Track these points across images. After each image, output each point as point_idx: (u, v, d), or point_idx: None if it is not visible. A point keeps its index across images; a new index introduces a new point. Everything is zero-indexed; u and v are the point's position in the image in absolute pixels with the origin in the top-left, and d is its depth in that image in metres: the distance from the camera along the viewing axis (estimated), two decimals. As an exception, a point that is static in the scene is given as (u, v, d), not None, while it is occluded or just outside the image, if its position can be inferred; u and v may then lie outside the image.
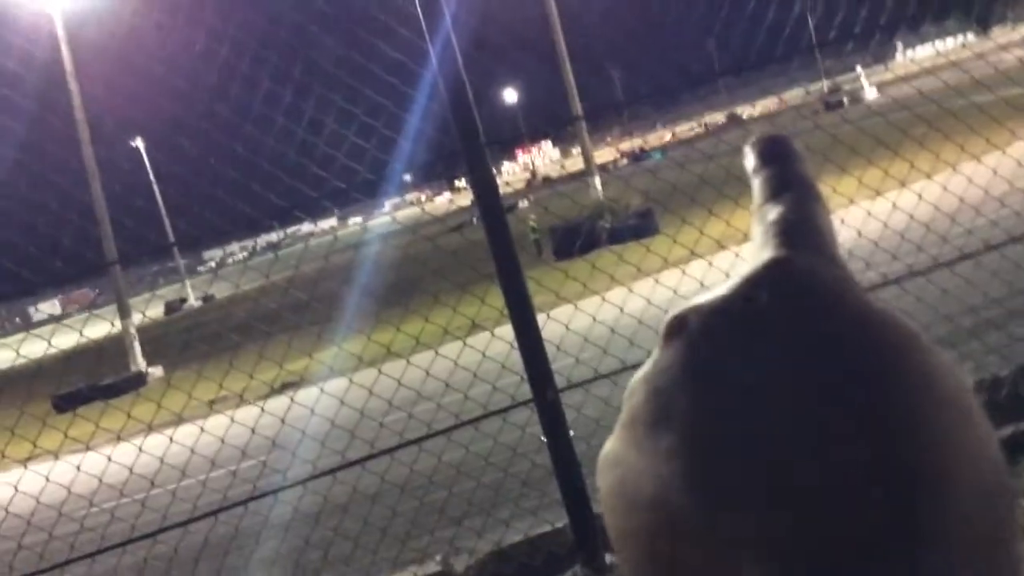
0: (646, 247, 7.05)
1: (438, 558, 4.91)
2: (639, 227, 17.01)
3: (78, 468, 5.31)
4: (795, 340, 0.38)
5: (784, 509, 0.36)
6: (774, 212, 0.44)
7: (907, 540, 0.35)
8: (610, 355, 5.26)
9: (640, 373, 0.42)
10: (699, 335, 0.40)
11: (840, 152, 6.28)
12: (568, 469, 4.18)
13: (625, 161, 34.98)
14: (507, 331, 4.35)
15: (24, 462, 6.13)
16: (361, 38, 5.94)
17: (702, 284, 5.63)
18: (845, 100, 43.69)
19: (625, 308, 5.47)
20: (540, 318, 4.26)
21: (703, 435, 0.38)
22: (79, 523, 5.42)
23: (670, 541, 0.38)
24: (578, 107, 21.67)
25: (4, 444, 6.41)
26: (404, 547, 5.21)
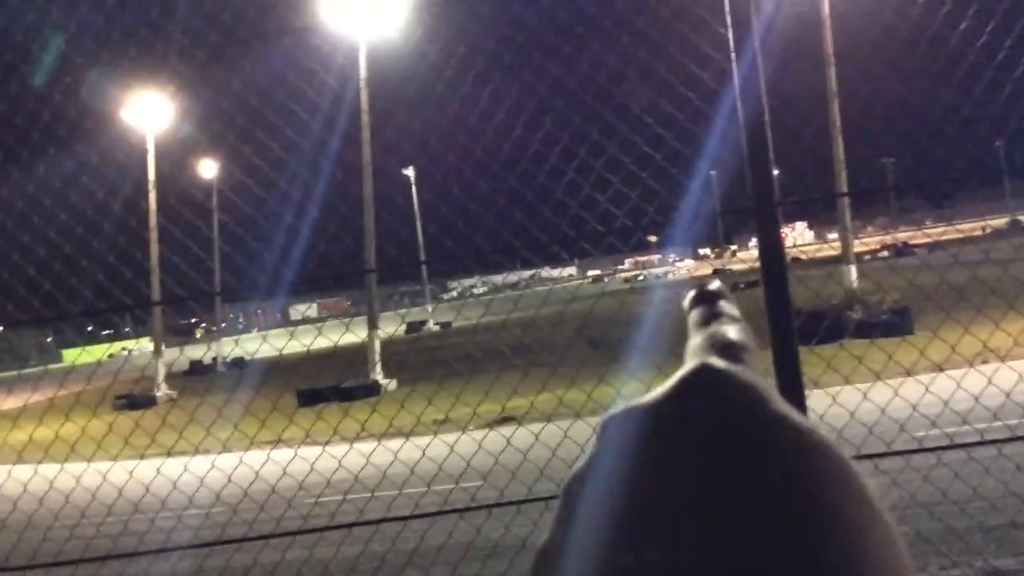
0: (898, 344, 6.65)
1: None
2: (892, 324, 16.00)
3: (322, 455, 5.74)
4: (717, 442, 0.43)
5: None
6: (703, 334, 0.53)
7: None
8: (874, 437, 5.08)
9: (575, 470, 0.46)
10: (631, 435, 0.45)
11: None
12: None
13: (886, 254, 33.05)
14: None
15: (270, 444, 6.70)
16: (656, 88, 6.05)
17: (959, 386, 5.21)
18: None
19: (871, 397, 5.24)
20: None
21: (634, 532, 0.41)
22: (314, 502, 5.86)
23: None
24: (843, 184, 20.67)
25: (255, 428, 7.04)
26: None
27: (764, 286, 3.85)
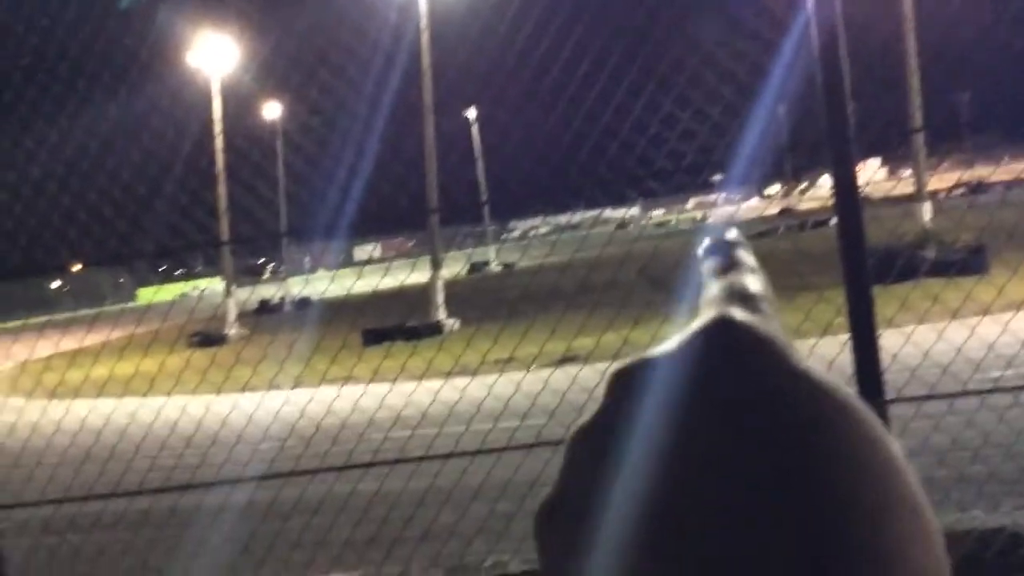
0: (974, 283, 6.47)
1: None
2: (966, 263, 15.53)
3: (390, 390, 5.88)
4: (733, 395, 0.42)
5: (702, 568, 0.38)
6: (719, 285, 0.50)
7: None
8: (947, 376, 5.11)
9: (582, 423, 0.45)
10: (644, 389, 0.43)
11: None
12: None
13: (961, 191, 31.92)
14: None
15: (340, 381, 6.87)
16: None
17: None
18: None
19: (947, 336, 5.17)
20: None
21: (640, 491, 0.40)
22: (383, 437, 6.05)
23: None
24: (918, 119, 19.86)
25: (325, 365, 7.22)
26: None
27: (838, 224, 3.77)
